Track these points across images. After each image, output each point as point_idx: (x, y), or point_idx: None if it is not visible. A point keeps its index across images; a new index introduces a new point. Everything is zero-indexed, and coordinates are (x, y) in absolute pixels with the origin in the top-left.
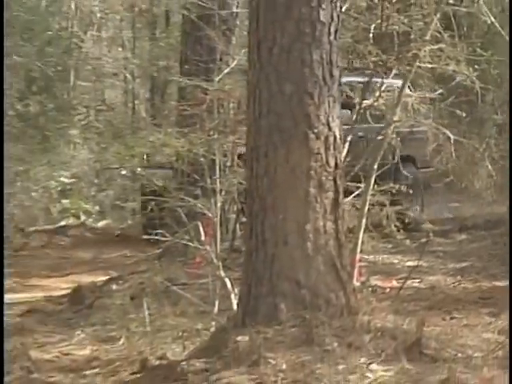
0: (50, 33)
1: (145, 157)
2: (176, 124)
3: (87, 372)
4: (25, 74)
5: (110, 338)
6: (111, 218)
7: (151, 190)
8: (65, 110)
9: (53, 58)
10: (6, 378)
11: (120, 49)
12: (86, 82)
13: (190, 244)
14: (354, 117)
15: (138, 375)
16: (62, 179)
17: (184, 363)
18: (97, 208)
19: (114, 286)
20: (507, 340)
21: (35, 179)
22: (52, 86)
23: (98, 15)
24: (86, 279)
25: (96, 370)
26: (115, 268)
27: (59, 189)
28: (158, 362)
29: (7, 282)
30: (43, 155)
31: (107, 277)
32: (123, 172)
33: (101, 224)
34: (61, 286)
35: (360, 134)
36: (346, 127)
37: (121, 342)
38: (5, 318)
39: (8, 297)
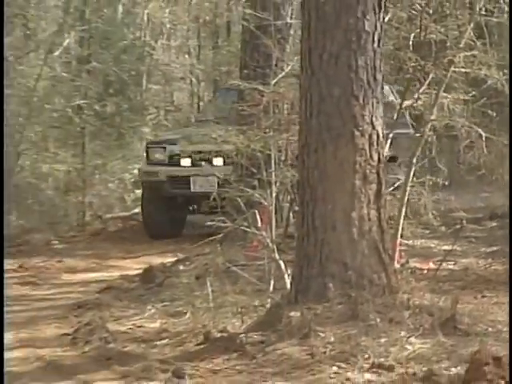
0: (125, 42)
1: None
2: (236, 123)
3: (157, 343)
4: (103, 78)
5: (177, 312)
6: None
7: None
8: (138, 110)
9: (127, 64)
10: (87, 347)
11: (187, 56)
12: (157, 85)
13: (248, 230)
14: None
15: (202, 346)
16: (135, 171)
17: (243, 336)
18: None
19: (181, 267)
20: None
21: (111, 172)
22: (126, 88)
23: (168, 26)
24: (156, 260)
25: (165, 341)
26: (182, 251)
27: (132, 180)
28: (219, 335)
29: (87, 263)
30: (118, 150)
31: (175, 258)
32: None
33: None
34: (134, 266)
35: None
36: None
37: (187, 317)
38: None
39: (87, 276)
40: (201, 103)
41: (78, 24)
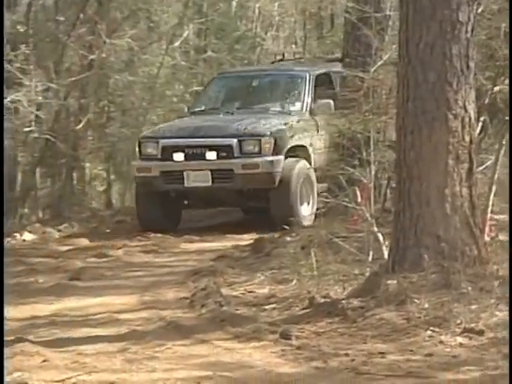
0: (238, 33)
1: None
2: (338, 107)
3: (266, 307)
4: (217, 66)
5: (284, 279)
6: None
7: None
8: None
9: (240, 53)
10: (203, 310)
11: (293, 45)
12: None
13: (349, 205)
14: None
15: (307, 310)
16: None
17: (344, 301)
18: None
19: (288, 238)
20: None
21: None
22: None
23: (277, 18)
24: (265, 232)
25: (273, 306)
26: (288, 223)
27: None
28: (322, 300)
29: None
30: None
31: (283, 231)
32: None
33: None
34: (245, 237)
35: None
36: None
37: (293, 283)
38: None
39: (203, 245)
40: None
41: (197, 17)
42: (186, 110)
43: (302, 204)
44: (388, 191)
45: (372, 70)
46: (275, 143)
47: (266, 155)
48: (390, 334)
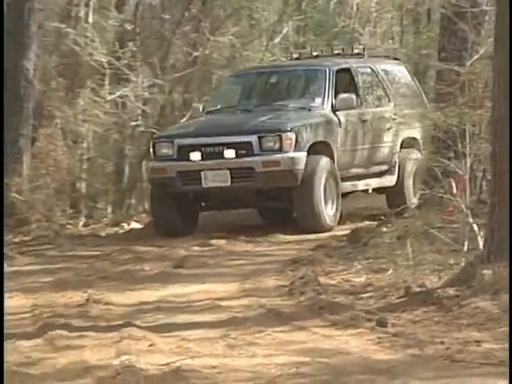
0: (336, 29)
1: None
2: (434, 100)
3: (363, 295)
4: None
5: (380, 269)
6: None
7: None
8: None
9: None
10: (301, 297)
11: (390, 41)
12: None
13: (444, 196)
14: None
15: (403, 299)
16: None
17: (439, 290)
18: None
19: (384, 229)
20: None
21: None
22: None
23: (374, 14)
24: (362, 223)
25: (370, 294)
26: (385, 214)
27: None
28: (418, 289)
29: None
30: None
31: (378, 221)
32: None
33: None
34: (342, 227)
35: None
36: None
37: (389, 273)
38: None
39: (302, 235)
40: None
41: (296, 14)
42: (200, 109)
43: (326, 204)
44: (483, 183)
45: (468, 63)
46: (296, 139)
47: (287, 152)
48: (485, 322)
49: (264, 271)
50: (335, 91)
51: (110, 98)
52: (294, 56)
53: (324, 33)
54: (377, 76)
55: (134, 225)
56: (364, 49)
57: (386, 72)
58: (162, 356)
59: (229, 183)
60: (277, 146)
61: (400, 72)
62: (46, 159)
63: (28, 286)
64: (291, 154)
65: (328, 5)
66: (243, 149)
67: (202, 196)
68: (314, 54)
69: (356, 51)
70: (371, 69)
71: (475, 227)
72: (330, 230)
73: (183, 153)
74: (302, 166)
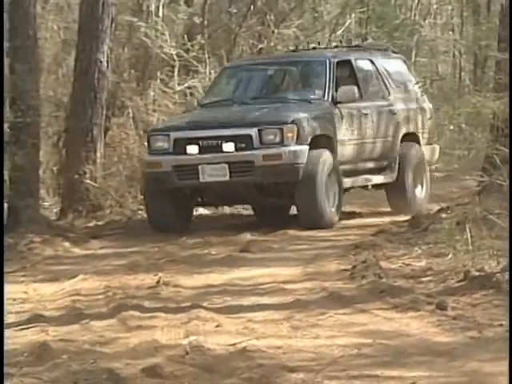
0: (397, 21)
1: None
2: (493, 90)
3: (423, 279)
4: None
5: (440, 253)
6: (442, 162)
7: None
8: None
9: (399, 41)
10: (363, 281)
11: (450, 32)
12: (424, 58)
13: (503, 183)
14: None
15: (462, 283)
16: None
17: (498, 275)
18: None
19: (444, 215)
20: None
21: None
22: None
23: (434, 6)
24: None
25: (429, 278)
26: (444, 200)
27: None
28: (477, 273)
29: (362, 210)
30: None
31: (438, 207)
32: (451, 127)
33: (434, 166)
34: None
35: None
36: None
37: (449, 257)
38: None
39: (363, 221)
40: (462, 73)
41: (358, 7)
42: (195, 103)
43: (328, 200)
44: None
45: None
46: (298, 132)
47: (288, 145)
48: None
49: (326, 256)
50: (336, 84)
51: (178, 88)
52: (291, 48)
53: (385, 25)
54: (377, 69)
55: (202, 210)
56: (362, 41)
57: (385, 65)
58: (229, 336)
59: (227, 177)
60: (278, 138)
61: (399, 66)
62: (119, 147)
63: (101, 269)
64: (293, 148)
65: None
66: (242, 142)
67: (199, 191)
68: (312, 46)
69: (355, 43)
70: (371, 61)
71: None
72: (331, 227)
73: (179, 146)
74: (304, 160)
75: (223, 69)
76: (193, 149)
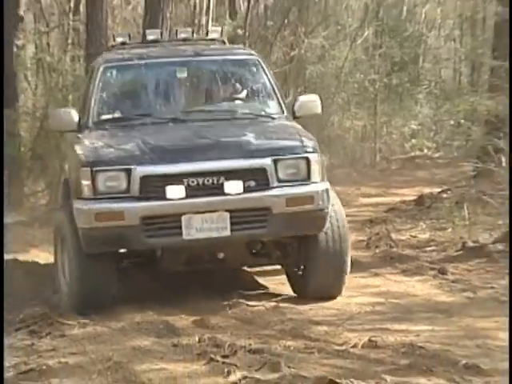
0: (407, 33)
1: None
2: (488, 91)
3: (427, 249)
4: (390, 59)
5: (441, 227)
6: (443, 151)
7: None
8: (415, 82)
9: (408, 49)
10: (376, 250)
11: (452, 42)
12: (429, 64)
13: (495, 169)
14: None
15: (460, 252)
16: (412, 126)
17: (490, 246)
18: (434, 145)
19: (444, 195)
20: None
21: (395, 126)
22: (407, 67)
23: (439, 21)
24: (426, 190)
25: (432, 248)
26: (445, 183)
27: (410, 132)
28: (472, 244)
29: (377, 190)
30: (400, 111)
31: (440, 189)
32: (451, 122)
33: (436, 155)
34: (410, 193)
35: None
36: None
37: (449, 231)
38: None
39: (377, 199)
40: (461, 77)
41: (374, 21)
42: (75, 120)
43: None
44: None
45: None
46: (322, 164)
47: (316, 182)
48: None
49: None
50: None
51: None
52: (182, 36)
53: (397, 36)
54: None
55: None
56: (221, 32)
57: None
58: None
59: (227, 232)
60: (302, 173)
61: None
62: None
63: None
64: (322, 186)
65: (400, 13)
66: (253, 179)
67: (178, 253)
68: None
69: (213, 36)
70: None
71: None
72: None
73: (151, 187)
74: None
75: (103, 68)
76: (175, 191)
